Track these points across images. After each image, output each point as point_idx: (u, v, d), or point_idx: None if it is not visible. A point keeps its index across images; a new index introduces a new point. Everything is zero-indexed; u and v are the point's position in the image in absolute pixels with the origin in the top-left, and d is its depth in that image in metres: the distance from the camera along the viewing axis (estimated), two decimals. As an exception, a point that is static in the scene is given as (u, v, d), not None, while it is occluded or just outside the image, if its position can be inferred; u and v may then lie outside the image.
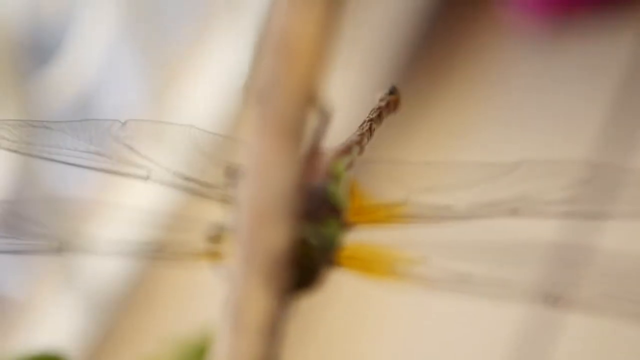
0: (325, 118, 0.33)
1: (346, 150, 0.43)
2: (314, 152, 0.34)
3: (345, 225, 0.38)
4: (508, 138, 1.20)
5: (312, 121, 0.30)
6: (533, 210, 0.38)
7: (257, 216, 0.28)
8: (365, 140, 0.46)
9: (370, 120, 0.46)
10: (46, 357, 0.29)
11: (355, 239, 0.39)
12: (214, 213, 0.39)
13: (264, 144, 0.28)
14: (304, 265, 0.33)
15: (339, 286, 0.38)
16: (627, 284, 0.36)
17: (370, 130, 0.46)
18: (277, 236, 0.29)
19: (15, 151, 0.48)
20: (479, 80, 1.29)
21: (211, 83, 1.25)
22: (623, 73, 1.20)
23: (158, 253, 0.41)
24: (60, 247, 0.40)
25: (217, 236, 0.33)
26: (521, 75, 1.28)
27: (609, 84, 1.20)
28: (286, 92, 0.28)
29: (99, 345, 1.07)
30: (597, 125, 1.17)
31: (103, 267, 1.10)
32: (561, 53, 1.26)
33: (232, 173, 0.32)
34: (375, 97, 0.47)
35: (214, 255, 0.38)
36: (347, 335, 1.13)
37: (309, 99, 0.28)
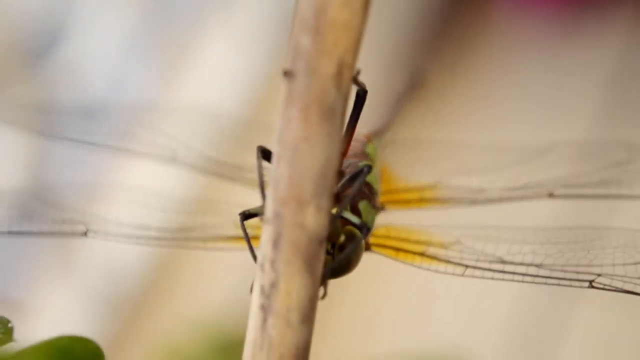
0: (360, 98, 0.33)
1: (378, 133, 0.42)
2: (349, 133, 0.34)
3: (378, 208, 0.38)
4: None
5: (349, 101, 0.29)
6: (570, 193, 0.38)
7: (294, 197, 0.28)
8: (396, 124, 0.46)
9: (400, 103, 0.46)
10: (74, 341, 0.28)
11: (388, 221, 0.38)
12: (240, 196, 0.39)
13: (302, 123, 0.27)
14: (340, 247, 0.32)
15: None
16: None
17: (401, 114, 0.46)
18: (315, 218, 0.28)
19: (39, 133, 0.47)
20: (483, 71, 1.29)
21: (225, 67, 1.25)
22: (615, 67, 1.20)
23: (185, 238, 0.40)
24: (86, 231, 0.39)
25: (248, 217, 0.32)
26: (522, 67, 1.27)
27: (601, 78, 1.20)
28: (325, 74, 0.27)
29: (117, 329, 1.07)
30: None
31: (120, 250, 1.10)
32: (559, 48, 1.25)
33: (265, 154, 0.31)
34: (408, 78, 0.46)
35: (242, 240, 0.38)
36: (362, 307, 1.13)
37: (347, 79, 0.28)
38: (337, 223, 0.32)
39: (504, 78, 1.23)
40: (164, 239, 0.40)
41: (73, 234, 0.39)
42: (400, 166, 0.41)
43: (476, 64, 1.24)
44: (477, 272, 0.36)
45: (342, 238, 0.32)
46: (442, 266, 0.37)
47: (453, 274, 0.37)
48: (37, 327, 1.07)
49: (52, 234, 0.39)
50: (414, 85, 0.51)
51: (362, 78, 0.32)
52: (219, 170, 0.43)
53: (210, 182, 0.45)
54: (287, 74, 0.27)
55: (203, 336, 0.69)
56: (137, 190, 0.45)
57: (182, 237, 0.40)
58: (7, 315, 0.29)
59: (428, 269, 0.37)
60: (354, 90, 0.31)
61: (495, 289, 1.03)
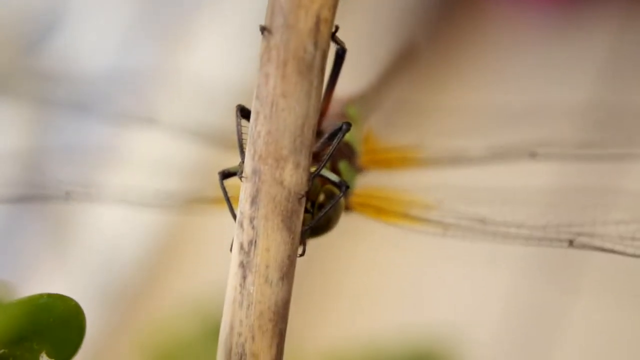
0: (340, 57, 0.32)
1: (362, 96, 0.42)
2: (328, 93, 0.33)
3: (359, 169, 0.38)
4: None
5: (327, 60, 0.29)
6: (552, 154, 0.38)
7: (273, 153, 0.28)
8: (381, 87, 0.45)
9: (387, 69, 0.46)
10: (54, 299, 0.28)
11: (370, 182, 0.38)
12: (224, 160, 0.39)
13: (280, 80, 0.27)
14: (320, 206, 0.32)
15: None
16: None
17: (386, 78, 0.46)
18: (293, 174, 0.28)
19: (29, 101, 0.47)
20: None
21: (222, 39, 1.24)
22: (608, 60, 1.20)
23: (169, 201, 0.40)
24: (69, 195, 0.39)
25: (227, 176, 0.32)
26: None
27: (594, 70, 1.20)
28: (302, 29, 0.27)
29: (115, 303, 1.07)
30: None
31: (119, 223, 1.10)
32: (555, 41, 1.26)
33: (244, 113, 0.31)
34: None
35: (224, 201, 0.38)
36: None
37: (324, 35, 0.28)
38: (316, 181, 0.32)
39: (496, 51, 1.23)
40: (145, 202, 0.40)
41: (54, 198, 0.39)
42: (383, 128, 0.41)
43: (468, 34, 1.24)
44: (459, 232, 0.36)
45: (322, 197, 0.32)
46: (423, 227, 0.37)
47: (434, 234, 0.37)
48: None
49: (33, 198, 0.39)
50: (403, 55, 0.51)
51: (343, 38, 0.31)
52: (203, 134, 0.43)
53: (194, 146, 0.44)
54: (265, 30, 0.27)
55: (197, 317, 0.69)
56: (122, 154, 0.45)
57: (164, 200, 0.40)
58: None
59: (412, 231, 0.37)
60: (333, 49, 0.31)
61: (492, 278, 1.04)
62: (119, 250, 1.09)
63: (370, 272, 1.12)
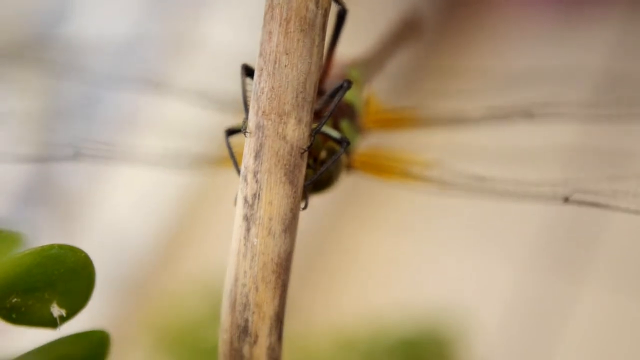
0: (341, 18, 0.33)
1: (363, 58, 0.43)
2: (330, 53, 0.34)
3: (361, 129, 0.38)
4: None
5: (329, 19, 0.30)
6: (549, 114, 0.38)
7: (275, 109, 0.29)
8: (384, 52, 0.46)
9: (390, 36, 0.47)
10: (63, 249, 0.29)
11: (371, 143, 0.39)
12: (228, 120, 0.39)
13: (283, 37, 0.28)
14: (322, 163, 0.33)
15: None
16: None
17: (389, 42, 0.46)
18: (296, 129, 0.29)
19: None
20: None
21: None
22: (612, 54, 1.20)
23: (174, 161, 0.41)
24: (76, 154, 0.40)
25: (232, 132, 0.33)
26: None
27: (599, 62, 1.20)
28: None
29: (122, 291, 1.07)
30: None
31: (126, 211, 1.10)
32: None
33: (248, 71, 0.32)
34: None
35: (229, 161, 0.39)
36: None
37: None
38: (318, 138, 0.33)
39: (498, 16, 1.23)
40: (153, 161, 0.41)
41: (62, 158, 0.39)
42: (385, 90, 0.41)
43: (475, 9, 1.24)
44: (457, 190, 0.37)
45: (324, 153, 0.33)
46: (423, 185, 0.37)
47: (433, 192, 0.37)
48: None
49: (41, 158, 0.40)
50: (406, 21, 0.51)
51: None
52: (216, 99, 0.44)
53: (207, 111, 0.45)
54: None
55: (207, 296, 0.70)
56: (128, 115, 0.45)
57: (171, 160, 0.41)
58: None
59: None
60: (335, 10, 0.32)
61: (501, 259, 1.04)
62: (128, 241, 1.10)
63: (377, 246, 1.13)
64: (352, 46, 0.38)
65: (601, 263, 1.03)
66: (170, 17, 1.21)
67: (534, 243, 1.07)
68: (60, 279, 0.29)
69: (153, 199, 1.10)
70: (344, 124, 0.36)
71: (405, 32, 0.48)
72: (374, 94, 0.41)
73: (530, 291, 1.05)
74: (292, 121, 0.29)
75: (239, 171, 0.30)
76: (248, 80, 0.31)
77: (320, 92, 0.33)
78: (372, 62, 0.45)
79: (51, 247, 0.28)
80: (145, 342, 0.70)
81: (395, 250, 1.11)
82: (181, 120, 0.46)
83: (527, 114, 0.39)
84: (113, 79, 0.48)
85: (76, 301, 0.30)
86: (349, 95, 0.37)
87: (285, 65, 0.28)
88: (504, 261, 1.05)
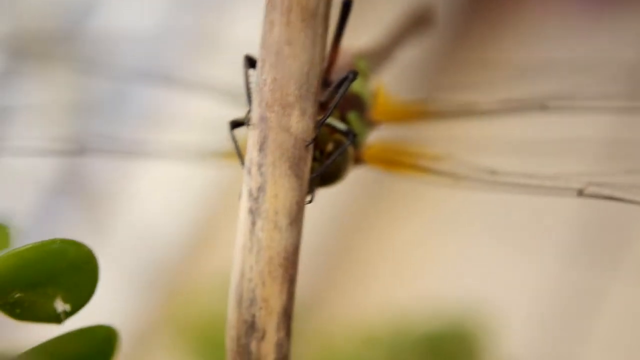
0: (346, 7, 0.33)
1: (371, 49, 0.42)
2: (335, 43, 0.34)
3: (370, 122, 0.38)
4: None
5: (334, 11, 0.29)
6: (563, 106, 0.38)
7: (279, 100, 0.28)
8: (393, 43, 0.45)
9: (399, 26, 0.46)
10: (66, 244, 0.29)
11: (381, 136, 0.38)
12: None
13: (285, 27, 0.28)
14: (328, 155, 0.33)
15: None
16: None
17: (398, 33, 0.46)
18: (300, 121, 0.28)
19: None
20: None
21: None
22: None
23: (182, 153, 0.41)
24: (82, 149, 0.40)
25: (237, 125, 0.32)
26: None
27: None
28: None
29: (147, 287, 1.07)
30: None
31: (154, 209, 1.10)
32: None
33: (251, 62, 0.32)
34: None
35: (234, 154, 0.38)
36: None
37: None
38: (325, 131, 0.32)
39: (512, 7, 1.21)
40: (161, 153, 0.40)
41: (74, 152, 0.39)
42: (394, 82, 0.41)
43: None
44: (469, 183, 0.36)
45: (330, 146, 0.32)
46: (433, 178, 0.37)
47: (448, 186, 0.37)
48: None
49: (48, 152, 0.40)
50: (418, 16, 0.50)
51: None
52: (221, 90, 0.44)
53: (212, 102, 0.45)
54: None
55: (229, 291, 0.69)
56: (153, 110, 0.45)
57: (179, 152, 0.41)
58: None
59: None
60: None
61: (526, 259, 1.04)
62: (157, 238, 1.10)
63: (402, 241, 1.12)
64: (359, 37, 0.38)
65: (632, 257, 1.02)
66: (196, 12, 1.21)
67: (562, 237, 1.06)
68: (64, 273, 0.29)
69: (178, 194, 1.10)
70: (352, 116, 0.36)
71: (416, 22, 0.47)
72: (383, 85, 0.41)
73: (558, 286, 1.04)
74: (295, 113, 0.28)
75: (243, 163, 0.30)
76: (251, 71, 0.31)
77: (326, 83, 0.33)
78: (381, 53, 0.44)
79: (53, 241, 0.28)
80: (168, 337, 0.70)
81: (419, 244, 1.10)
82: (206, 115, 0.46)
83: (541, 106, 0.38)
84: (139, 74, 0.48)
85: (80, 296, 0.29)
86: (357, 87, 0.37)
87: (288, 56, 0.28)
88: (531, 255, 1.04)
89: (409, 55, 0.43)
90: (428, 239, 1.10)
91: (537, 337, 1.02)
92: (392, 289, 1.06)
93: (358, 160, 0.37)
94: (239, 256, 0.30)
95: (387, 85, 0.40)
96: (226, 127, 0.34)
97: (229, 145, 0.41)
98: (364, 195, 1.05)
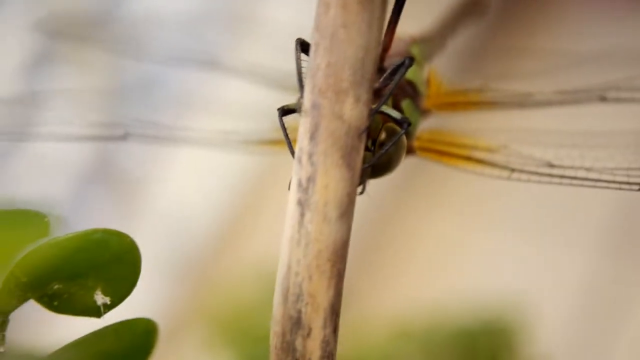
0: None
1: (425, 36, 0.41)
2: (391, 29, 0.32)
3: (423, 110, 0.37)
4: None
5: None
6: (622, 98, 0.36)
7: (332, 86, 0.27)
8: (447, 30, 0.44)
9: (453, 13, 0.45)
10: (108, 234, 0.28)
11: (433, 125, 0.37)
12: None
13: (341, 10, 0.26)
14: (381, 145, 0.31)
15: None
16: None
17: (452, 20, 0.45)
18: (354, 109, 0.27)
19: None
20: None
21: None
22: None
23: (226, 140, 0.40)
24: (125, 135, 0.39)
25: (287, 112, 0.31)
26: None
27: None
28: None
29: (180, 276, 1.07)
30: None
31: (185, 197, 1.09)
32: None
33: (304, 47, 0.30)
34: None
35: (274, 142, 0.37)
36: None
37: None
38: (377, 119, 0.31)
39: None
40: (199, 140, 0.40)
41: (112, 138, 0.39)
42: (447, 70, 0.39)
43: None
44: (524, 176, 0.35)
45: (383, 135, 0.31)
46: (487, 170, 0.36)
47: (497, 178, 0.36)
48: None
49: (91, 137, 0.39)
50: (472, 3, 0.49)
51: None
52: (263, 75, 0.43)
53: (254, 87, 0.44)
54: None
55: (263, 282, 0.69)
56: (177, 93, 0.44)
57: (222, 139, 0.40)
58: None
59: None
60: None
61: (566, 254, 1.02)
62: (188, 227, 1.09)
63: (438, 233, 1.11)
64: (413, 23, 0.37)
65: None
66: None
67: (604, 231, 1.04)
68: (105, 265, 0.27)
69: (211, 181, 1.09)
70: (406, 104, 0.34)
71: (470, 8, 0.46)
72: (436, 73, 0.40)
73: (598, 281, 1.03)
74: (349, 100, 0.27)
75: (293, 153, 0.29)
76: (303, 56, 0.30)
77: (380, 69, 0.32)
78: (435, 40, 0.43)
79: (95, 231, 0.27)
80: (202, 329, 0.69)
81: (456, 237, 1.09)
82: (242, 100, 0.45)
83: (599, 98, 0.36)
84: (174, 58, 0.47)
85: (121, 288, 0.28)
86: (410, 74, 0.35)
87: (343, 40, 0.26)
88: (571, 249, 1.02)
89: (462, 42, 0.42)
90: (464, 232, 1.08)
91: (575, 332, 1.01)
92: (427, 283, 1.05)
93: (409, 149, 0.36)
94: (286, 249, 0.29)
95: (440, 72, 0.39)
96: (266, 113, 0.33)
97: (268, 132, 0.40)
98: (406, 186, 1.04)
